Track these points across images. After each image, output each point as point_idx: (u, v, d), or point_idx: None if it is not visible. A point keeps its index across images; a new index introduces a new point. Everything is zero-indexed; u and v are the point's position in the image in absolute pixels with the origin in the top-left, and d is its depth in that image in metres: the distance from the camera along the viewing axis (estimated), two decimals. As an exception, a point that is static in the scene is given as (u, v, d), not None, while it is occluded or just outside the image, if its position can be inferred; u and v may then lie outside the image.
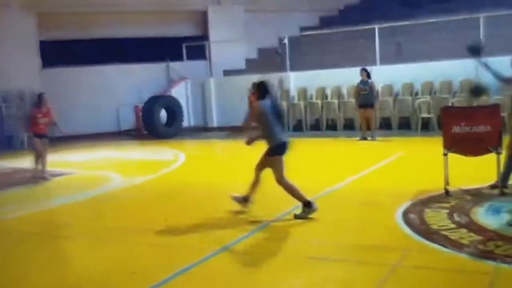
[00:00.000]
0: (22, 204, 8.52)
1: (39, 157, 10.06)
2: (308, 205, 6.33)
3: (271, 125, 6.49)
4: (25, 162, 11.84)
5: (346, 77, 15.87)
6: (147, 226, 6.51)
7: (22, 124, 10.29)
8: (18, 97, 18.23)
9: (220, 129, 17.65)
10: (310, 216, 6.29)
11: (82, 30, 19.84)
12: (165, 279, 4.71)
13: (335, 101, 16.65)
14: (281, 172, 6.46)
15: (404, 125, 15.25)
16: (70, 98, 18.85)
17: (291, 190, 6.44)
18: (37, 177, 10.02)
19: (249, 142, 6.73)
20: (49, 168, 10.46)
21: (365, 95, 13.62)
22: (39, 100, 10.48)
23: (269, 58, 19.20)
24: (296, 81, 17.82)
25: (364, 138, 13.51)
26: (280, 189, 7.40)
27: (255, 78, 16.65)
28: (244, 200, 6.72)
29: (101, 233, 6.50)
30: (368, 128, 13.61)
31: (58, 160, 13.25)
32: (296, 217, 6.34)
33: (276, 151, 6.50)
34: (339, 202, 7.28)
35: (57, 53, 19.01)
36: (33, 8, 18.74)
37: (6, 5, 18.23)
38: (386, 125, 15.39)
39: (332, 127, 16.48)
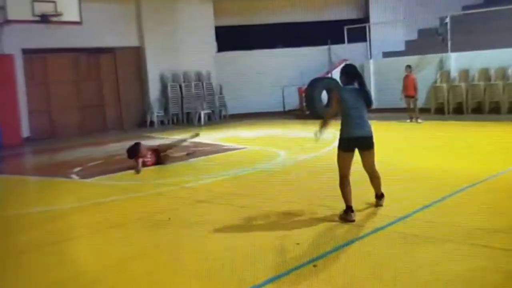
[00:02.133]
0: (197, 175, 9.19)
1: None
2: (348, 210, 5.74)
3: (345, 115, 5.81)
4: (203, 137, 12.79)
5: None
6: (305, 202, 6.71)
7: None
8: (196, 77, 19.63)
9: (378, 110, 17.27)
10: (347, 219, 5.68)
11: (250, 16, 20.64)
12: (326, 252, 4.85)
13: (499, 82, 15.47)
14: (340, 169, 5.84)
15: None
16: (240, 79, 19.88)
17: (343, 193, 5.82)
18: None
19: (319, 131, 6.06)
20: (224, 142, 11.07)
21: None
22: (135, 150, 9.95)
23: (429, 39, 18.38)
24: (457, 62, 16.84)
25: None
26: (430, 175, 7.25)
27: (414, 59, 16.54)
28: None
29: (267, 204, 6.79)
30: None
31: (232, 136, 14.10)
32: (339, 217, 5.80)
33: (340, 145, 5.89)
34: (502, 190, 6.84)
35: (229, 38, 20.01)
36: (208, -4, 19.93)
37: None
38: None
39: (495, 110, 15.38)
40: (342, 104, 5.80)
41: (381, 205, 6.11)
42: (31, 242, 5.87)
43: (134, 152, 9.88)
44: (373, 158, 5.99)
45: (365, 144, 5.86)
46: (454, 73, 16.82)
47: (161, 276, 4.61)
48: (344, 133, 5.82)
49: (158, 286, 4.43)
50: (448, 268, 4.37)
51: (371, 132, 5.89)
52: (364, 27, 19.72)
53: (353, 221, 5.67)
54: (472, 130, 12.84)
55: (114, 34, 17.86)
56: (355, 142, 5.81)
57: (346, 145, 5.82)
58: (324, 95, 17.89)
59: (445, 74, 16.91)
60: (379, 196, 6.16)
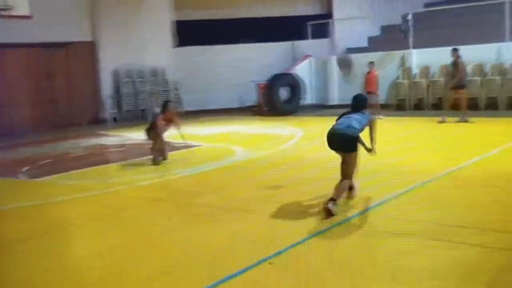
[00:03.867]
0: (151, 173, 9.05)
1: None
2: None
3: None
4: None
5: (472, 54, 14.96)
6: (260, 198, 6.71)
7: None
8: (151, 73, 19.33)
9: (341, 106, 17.40)
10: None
11: (212, 10, 20.49)
12: (283, 248, 4.81)
13: (459, 79, 15.73)
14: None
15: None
16: (199, 75, 19.70)
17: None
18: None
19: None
20: (180, 140, 10.99)
21: None
22: (164, 107, 10.11)
23: (392, 36, 18.63)
24: (418, 59, 17.14)
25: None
26: (391, 169, 7.29)
27: (377, 55, 16.72)
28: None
29: (222, 201, 6.74)
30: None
31: (187, 133, 13.91)
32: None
33: None
34: (459, 185, 6.94)
35: (190, 33, 19.79)
36: (166, -11, 19.65)
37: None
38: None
39: (455, 106, 15.65)
40: None
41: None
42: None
43: (163, 107, 10.12)
44: (349, 165, 6.08)
45: (338, 143, 6.21)
46: (415, 70, 17.10)
47: (123, 275, 4.53)
48: None
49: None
50: (410, 263, 4.39)
51: (348, 132, 6.14)
52: (328, 23, 19.81)
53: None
54: (433, 125, 13.07)
55: (66, 29, 17.42)
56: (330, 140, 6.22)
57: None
58: (285, 91, 17.93)
59: (407, 71, 17.16)
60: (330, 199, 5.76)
